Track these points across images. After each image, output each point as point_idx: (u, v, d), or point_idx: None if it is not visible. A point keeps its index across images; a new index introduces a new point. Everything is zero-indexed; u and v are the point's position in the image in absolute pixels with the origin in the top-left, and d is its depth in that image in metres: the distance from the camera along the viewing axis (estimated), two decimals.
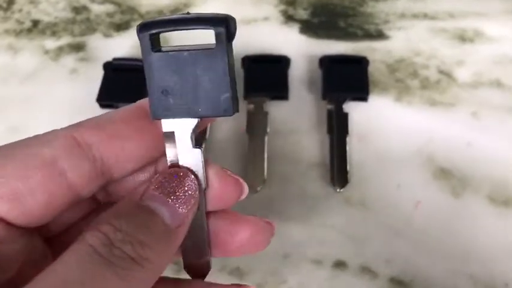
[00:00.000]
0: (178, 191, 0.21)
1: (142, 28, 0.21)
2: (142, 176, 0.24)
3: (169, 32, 0.21)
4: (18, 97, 0.46)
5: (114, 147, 0.22)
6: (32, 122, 0.44)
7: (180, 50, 0.21)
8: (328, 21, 0.50)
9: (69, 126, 0.22)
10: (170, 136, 0.22)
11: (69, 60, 0.48)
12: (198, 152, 0.22)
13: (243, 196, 0.24)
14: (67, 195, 0.21)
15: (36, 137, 0.22)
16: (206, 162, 0.23)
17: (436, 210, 0.39)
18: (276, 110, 0.44)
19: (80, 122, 0.22)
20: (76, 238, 0.19)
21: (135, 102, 0.48)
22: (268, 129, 0.42)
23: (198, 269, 0.24)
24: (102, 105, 0.44)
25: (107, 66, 0.46)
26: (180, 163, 0.22)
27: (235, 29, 0.21)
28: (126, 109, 0.23)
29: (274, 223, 0.25)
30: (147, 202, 0.21)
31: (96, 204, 0.24)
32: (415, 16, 0.50)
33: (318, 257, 0.37)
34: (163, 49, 0.22)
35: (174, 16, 0.21)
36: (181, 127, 0.22)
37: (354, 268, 0.37)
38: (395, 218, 0.38)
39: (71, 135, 0.21)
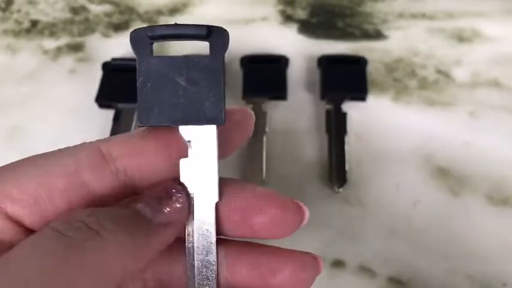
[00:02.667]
0: (164, 198, 0.21)
1: (137, 33, 0.22)
2: None
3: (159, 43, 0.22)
4: (17, 97, 0.46)
5: (138, 160, 0.22)
6: (31, 122, 0.44)
7: (175, 57, 0.22)
8: (326, 21, 0.50)
9: (98, 140, 0.22)
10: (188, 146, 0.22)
11: (68, 61, 0.48)
12: (213, 165, 0.22)
13: (304, 222, 0.23)
14: (88, 205, 0.21)
15: (64, 148, 0.22)
16: (255, 187, 0.23)
17: (434, 209, 0.39)
18: (275, 110, 0.44)
19: (108, 137, 0.23)
20: None
21: (134, 102, 0.48)
22: (266, 129, 0.42)
23: None
24: (101, 105, 0.44)
25: (106, 66, 0.46)
26: (193, 175, 0.22)
27: (228, 40, 0.22)
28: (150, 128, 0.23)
29: (320, 259, 0.23)
30: (129, 204, 0.21)
31: None
32: (414, 16, 0.50)
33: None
34: (157, 56, 0.22)
35: (169, 25, 0.22)
36: (198, 136, 0.22)
37: (352, 267, 0.37)
38: (393, 217, 0.39)
39: (97, 147, 0.22)
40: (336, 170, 0.40)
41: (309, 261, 0.23)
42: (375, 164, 0.41)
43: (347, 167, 0.40)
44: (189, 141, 0.22)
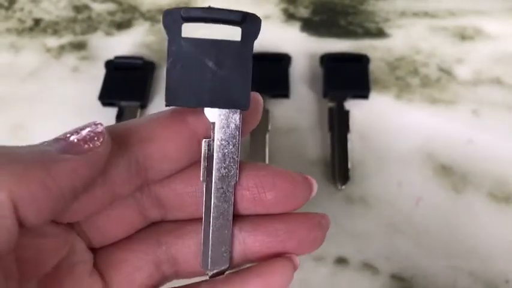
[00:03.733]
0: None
1: (171, 13, 0.22)
2: (187, 178, 0.24)
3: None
4: (21, 95, 0.46)
5: (148, 149, 0.22)
6: (35, 121, 0.44)
7: (205, 40, 0.22)
8: (328, 19, 0.50)
9: (108, 126, 0.22)
10: (211, 127, 0.23)
11: (71, 59, 0.48)
12: (235, 147, 0.23)
13: (313, 194, 0.24)
14: (105, 193, 0.22)
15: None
16: (265, 165, 0.24)
17: (436, 207, 0.39)
18: (277, 108, 0.44)
19: (118, 124, 0.23)
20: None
21: (136, 100, 0.48)
22: (269, 127, 0.42)
23: (216, 266, 0.24)
24: (104, 104, 0.44)
25: (109, 64, 0.46)
26: (216, 157, 0.23)
27: (260, 28, 0.22)
28: (162, 113, 0.23)
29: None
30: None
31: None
32: (416, 14, 0.50)
33: (320, 253, 0.37)
34: (187, 37, 0.22)
35: (205, 8, 0.22)
36: (223, 119, 0.23)
37: (355, 265, 0.37)
38: (396, 214, 0.39)
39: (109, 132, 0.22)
40: (338, 168, 0.40)
41: (318, 217, 0.24)
42: (378, 161, 0.41)
43: (350, 164, 0.40)
44: (213, 123, 0.23)
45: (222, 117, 0.22)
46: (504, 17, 0.49)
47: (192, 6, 0.50)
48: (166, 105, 0.22)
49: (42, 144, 0.20)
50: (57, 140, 0.20)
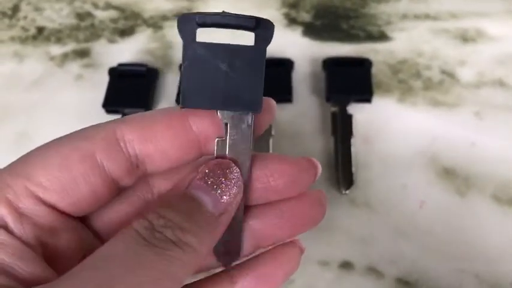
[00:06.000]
0: (221, 181, 0.23)
1: (186, 18, 0.22)
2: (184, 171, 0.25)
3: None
4: (25, 103, 0.46)
5: (148, 146, 0.23)
6: (39, 128, 0.45)
7: (218, 44, 0.22)
8: (330, 23, 0.50)
9: (112, 121, 0.23)
10: (224, 128, 0.23)
11: (74, 67, 0.48)
12: (246, 147, 0.23)
13: (318, 175, 0.25)
14: (107, 186, 0.23)
15: (80, 131, 0.23)
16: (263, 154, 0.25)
17: (440, 210, 0.39)
18: (280, 113, 0.44)
19: (122, 118, 0.24)
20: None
21: (140, 107, 0.48)
22: (273, 132, 0.42)
23: (228, 255, 0.25)
24: (108, 111, 0.45)
25: (112, 71, 0.47)
26: (229, 155, 0.23)
27: (273, 33, 0.23)
28: (165, 112, 0.24)
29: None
30: (191, 191, 0.22)
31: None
32: (417, 17, 0.50)
33: (325, 258, 0.37)
34: (201, 42, 0.22)
35: (220, 13, 0.22)
36: (235, 120, 0.23)
37: (360, 269, 0.37)
38: (400, 218, 0.39)
39: (112, 130, 0.23)
40: (342, 172, 0.40)
41: (316, 194, 0.26)
42: (381, 165, 0.41)
43: (353, 168, 0.40)
44: (226, 124, 0.23)
45: (234, 118, 0.23)
46: (506, 19, 0.49)
47: (194, 11, 0.50)
48: (181, 107, 0.23)
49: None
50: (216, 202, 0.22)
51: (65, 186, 0.22)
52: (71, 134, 0.23)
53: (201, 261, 0.21)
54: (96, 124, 0.23)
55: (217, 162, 0.23)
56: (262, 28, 0.22)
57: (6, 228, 0.21)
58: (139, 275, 0.19)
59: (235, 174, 0.23)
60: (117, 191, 0.24)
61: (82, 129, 0.23)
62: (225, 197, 0.22)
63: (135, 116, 0.24)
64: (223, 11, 0.22)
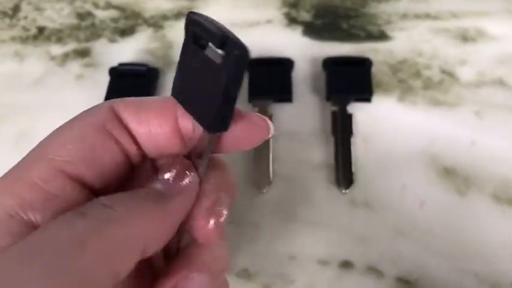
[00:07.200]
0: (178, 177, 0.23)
1: (191, 17, 0.22)
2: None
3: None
4: (25, 103, 0.47)
5: (141, 127, 0.24)
6: (39, 128, 0.44)
7: (207, 49, 0.22)
8: (330, 23, 0.50)
9: (112, 100, 0.24)
10: None
11: (75, 66, 0.49)
12: (204, 158, 0.24)
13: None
14: (123, 157, 0.24)
15: (83, 112, 0.24)
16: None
17: (440, 209, 0.39)
18: (281, 112, 0.44)
19: (122, 99, 0.24)
20: None
21: None
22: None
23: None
24: None
25: (113, 71, 0.47)
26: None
27: (248, 58, 0.21)
28: (160, 99, 0.24)
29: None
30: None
31: None
32: (417, 16, 0.50)
33: (325, 257, 0.38)
34: (196, 45, 0.22)
35: (214, 23, 0.22)
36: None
37: (360, 268, 0.37)
38: (400, 218, 0.39)
39: (110, 107, 0.24)
40: (342, 172, 0.40)
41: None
42: (381, 164, 0.41)
43: (353, 168, 0.40)
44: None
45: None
46: (506, 18, 0.49)
47: (195, 10, 0.50)
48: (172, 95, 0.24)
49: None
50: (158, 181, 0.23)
51: (86, 156, 0.22)
52: (74, 117, 0.24)
53: (153, 230, 0.21)
54: (98, 104, 0.24)
55: (173, 162, 0.24)
56: (229, 48, 0.20)
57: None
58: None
59: (192, 173, 0.23)
60: (131, 168, 0.24)
61: (84, 111, 0.24)
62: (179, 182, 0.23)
63: (133, 100, 0.24)
64: (207, 17, 0.22)
